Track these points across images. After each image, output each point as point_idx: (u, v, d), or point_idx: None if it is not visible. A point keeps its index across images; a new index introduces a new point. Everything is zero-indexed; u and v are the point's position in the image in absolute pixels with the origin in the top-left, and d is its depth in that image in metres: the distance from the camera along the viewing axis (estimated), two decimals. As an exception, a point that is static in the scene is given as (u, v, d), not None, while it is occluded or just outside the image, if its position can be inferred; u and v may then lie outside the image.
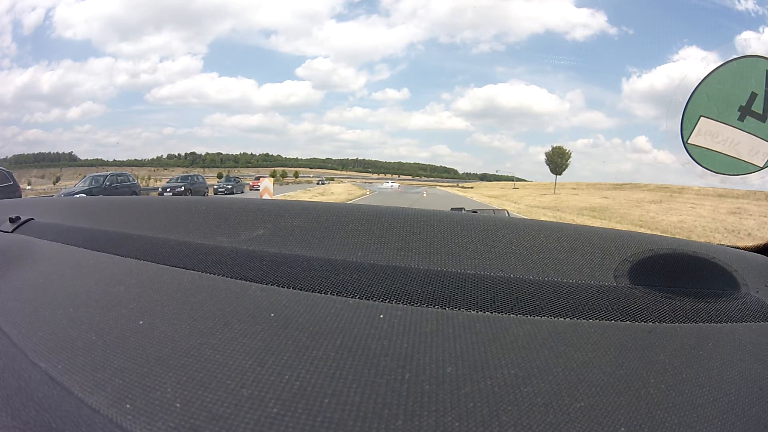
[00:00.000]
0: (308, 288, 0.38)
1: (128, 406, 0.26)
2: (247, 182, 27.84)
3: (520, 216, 2.34)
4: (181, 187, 16.43)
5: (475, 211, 0.83)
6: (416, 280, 0.39)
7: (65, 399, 0.28)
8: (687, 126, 0.41)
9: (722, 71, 0.39)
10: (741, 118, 0.39)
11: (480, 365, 0.28)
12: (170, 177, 24.42)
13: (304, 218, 0.54)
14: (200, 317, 0.34)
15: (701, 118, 0.40)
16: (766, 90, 0.38)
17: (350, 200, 17.19)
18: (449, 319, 0.34)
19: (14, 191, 7.37)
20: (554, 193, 32.40)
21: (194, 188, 16.84)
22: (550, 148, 44.14)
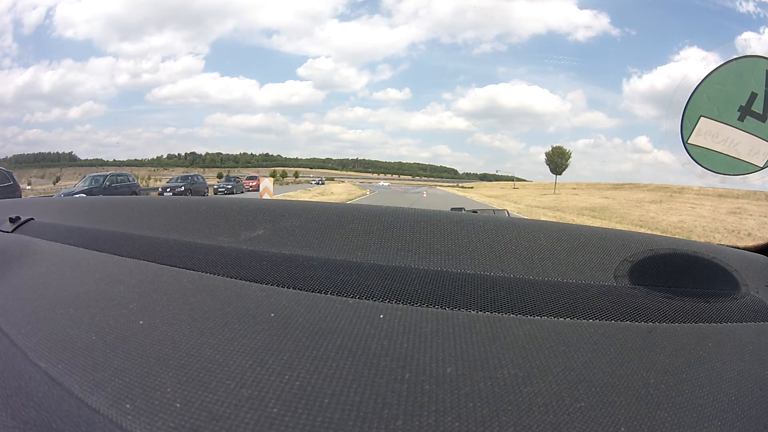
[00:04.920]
0: (308, 288, 0.38)
1: (128, 406, 0.26)
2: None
3: (520, 216, 2.34)
4: (181, 187, 16.41)
5: (475, 211, 0.83)
6: (416, 280, 0.39)
7: (65, 399, 0.28)
8: (687, 126, 0.41)
9: (722, 71, 0.39)
10: (741, 118, 0.39)
11: (480, 365, 0.28)
12: (170, 177, 24.41)
13: (304, 218, 0.54)
14: (200, 317, 0.34)
15: (701, 118, 0.40)
16: (766, 90, 0.38)
17: (350, 200, 17.18)
18: (449, 319, 0.34)
19: (14, 191, 7.37)
20: (554, 193, 32.38)
21: (194, 188, 16.82)
22: (551, 148, 44.13)
